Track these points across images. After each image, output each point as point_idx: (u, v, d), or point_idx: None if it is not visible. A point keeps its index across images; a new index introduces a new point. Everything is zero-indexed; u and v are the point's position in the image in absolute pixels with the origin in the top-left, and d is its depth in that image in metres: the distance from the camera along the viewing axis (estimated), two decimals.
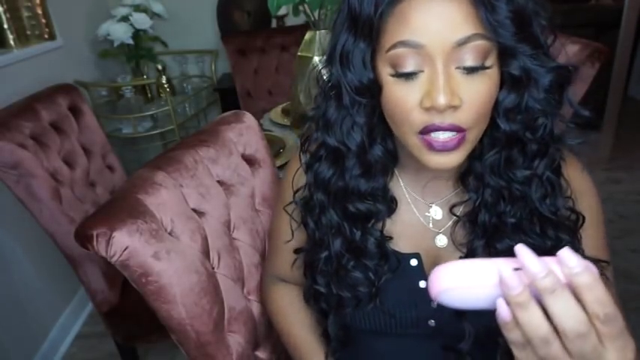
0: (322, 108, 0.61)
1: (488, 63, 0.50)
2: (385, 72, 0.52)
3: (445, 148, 0.52)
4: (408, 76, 0.51)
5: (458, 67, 0.49)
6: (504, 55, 0.51)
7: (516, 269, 0.36)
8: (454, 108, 0.49)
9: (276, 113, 1.75)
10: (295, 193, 0.70)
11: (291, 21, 2.52)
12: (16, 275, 1.59)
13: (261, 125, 1.05)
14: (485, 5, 0.47)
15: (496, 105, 0.53)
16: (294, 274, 0.76)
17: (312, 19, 1.39)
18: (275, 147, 1.38)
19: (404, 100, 0.51)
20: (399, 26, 0.49)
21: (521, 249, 0.35)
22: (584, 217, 0.61)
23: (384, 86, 0.53)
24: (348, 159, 0.61)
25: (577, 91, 1.55)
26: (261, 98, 2.43)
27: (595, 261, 0.61)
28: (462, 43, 0.48)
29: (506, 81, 0.53)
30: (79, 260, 1.24)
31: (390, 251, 0.65)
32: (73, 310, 1.86)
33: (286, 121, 1.65)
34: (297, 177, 0.71)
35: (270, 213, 0.96)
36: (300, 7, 1.39)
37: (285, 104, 1.81)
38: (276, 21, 2.64)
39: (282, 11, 2.45)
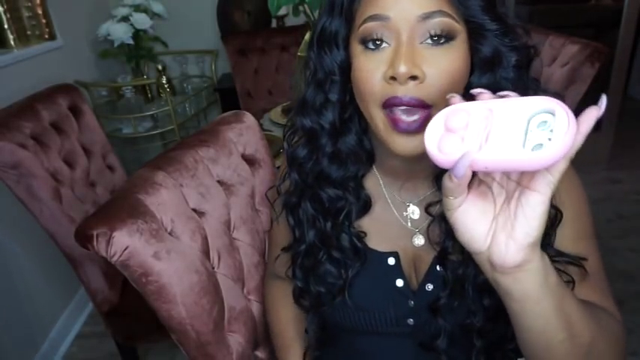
0: (303, 91, 0.64)
1: (453, 39, 0.52)
2: (356, 48, 0.56)
3: (409, 129, 0.53)
4: (376, 46, 0.53)
5: (422, 42, 0.52)
6: (474, 36, 0.53)
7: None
8: (417, 81, 0.51)
9: (276, 113, 1.75)
10: (280, 184, 0.73)
11: (291, 21, 2.51)
12: (16, 275, 1.59)
13: (261, 125, 1.05)
14: None
15: (468, 87, 0.55)
16: (288, 273, 0.78)
17: (312, 19, 1.39)
18: (275, 147, 1.38)
19: (370, 72, 0.54)
20: (369, 4, 0.53)
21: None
22: (561, 213, 0.60)
23: (353, 62, 0.56)
24: (321, 138, 0.63)
25: (577, 90, 1.56)
26: (261, 98, 2.43)
27: (575, 258, 0.60)
28: (426, 18, 0.50)
29: (478, 64, 0.55)
30: (79, 260, 1.24)
31: (360, 248, 0.66)
32: (73, 310, 1.86)
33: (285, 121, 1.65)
34: (282, 171, 0.73)
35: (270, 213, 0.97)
36: (300, 7, 1.40)
37: (285, 104, 1.81)
38: (276, 21, 2.64)
39: (282, 11, 2.45)
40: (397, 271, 0.66)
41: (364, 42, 0.54)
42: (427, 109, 0.52)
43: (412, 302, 0.65)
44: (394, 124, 0.53)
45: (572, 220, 0.62)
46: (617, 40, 2.57)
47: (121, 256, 0.66)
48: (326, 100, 0.62)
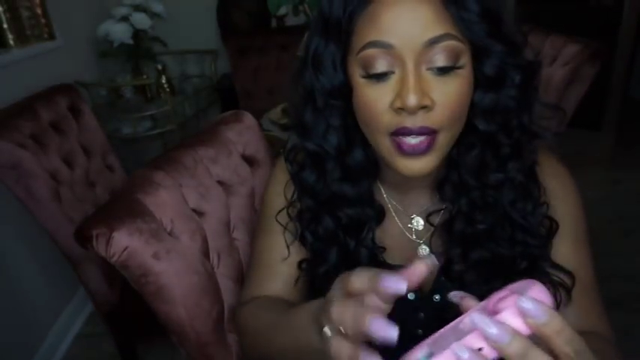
0: (300, 113, 0.61)
1: (460, 63, 0.50)
2: (356, 74, 0.53)
3: (415, 152, 0.52)
4: (379, 77, 0.51)
5: (429, 68, 0.50)
6: (478, 55, 0.51)
7: (479, 349, 0.33)
8: (425, 109, 0.50)
9: (276, 113, 1.75)
10: (288, 207, 0.67)
11: (291, 21, 2.51)
12: (16, 275, 1.58)
13: (261, 125, 1.05)
14: (456, 4, 0.48)
15: (472, 107, 0.54)
16: (293, 292, 0.68)
17: (312, 19, 1.39)
18: (275, 147, 1.38)
19: (375, 102, 0.51)
20: (369, 27, 0.50)
21: (477, 319, 0.33)
22: (557, 224, 0.61)
23: (355, 88, 0.54)
24: (327, 162, 0.61)
25: (577, 90, 1.56)
26: (261, 98, 2.43)
27: (565, 272, 0.60)
28: (432, 43, 0.48)
29: (481, 82, 0.53)
30: (79, 260, 1.24)
31: (381, 262, 0.65)
32: (73, 310, 1.86)
33: (286, 121, 1.65)
34: (281, 189, 0.69)
35: None
36: (300, 7, 1.40)
37: (285, 104, 1.81)
38: (276, 21, 2.64)
39: (282, 11, 2.45)
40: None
41: (366, 70, 0.51)
42: (434, 133, 0.51)
43: (422, 314, 0.65)
44: (400, 147, 0.52)
45: (570, 227, 0.62)
46: (617, 40, 2.57)
47: (120, 256, 0.66)
48: (328, 126, 0.59)
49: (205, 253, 0.81)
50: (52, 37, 1.96)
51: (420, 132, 0.50)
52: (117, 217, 0.67)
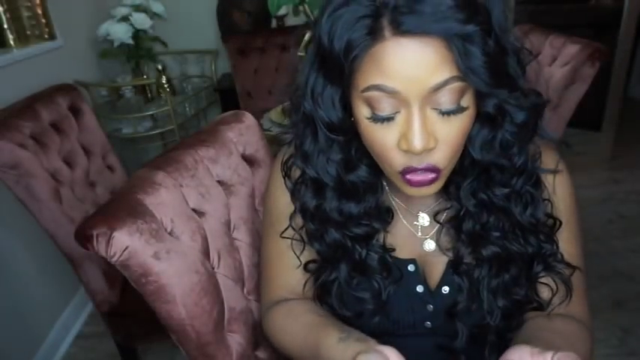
0: (300, 136, 0.61)
1: (464, 103, 0.50)
2: (361, 112, 0.52)
3: (422, 184, 0.54)
4: (385, 119, 0.51)
5: (434, 109, 0.50)
6: (481, 95, 0.51)
7: None
8: (430, 149, 0.51)
9: (276, 113, 1.75)
10: (290, 219, 0.69)
11: (291, 21, 2.52)
12: (16, 275, 1.59)
13: (261, 125, 1.05)
14: (459, 51, 0.46)
15: (469, 138, 0.55)
16: (305, 290, 0.72)
17: (312, 19, 1.39)
18: (275, 147, 1.37)
19: (382, 141, 0.53)
20: (373, 69, 0.49)
21: None
22: (560, 222, 0.63)
23: (360, 125, 0.54)
24: (327, 191, 0.62)
25: (577, 90, 1.56)
26: (261, 98, 2.43)
27: (570, 266, 0.64)
28: (438, 88, 0.48)
29: (481, 116, 0.54)
30: (79, 260, 1.24)
31: (391, 263, 0.65)
32: (73, 310, 1.86)
33: (286, 122, 1.64)
34: (283, 190, 0.70)
35: None
36: (300, 7, 1.40)
37: (285, 104, 1.81)
38: (276, 21, 2.64)
39: (282, 11, 2.45)
40: (417, 277, 0.66)
41: (371, 110, 0.51)
42: (439, 170, 0.53)
43: (431, 306, 0.66)
44: (410, 182, 0.54)
45: (567, 222, 0.65)
46: (617, 40, 2.57)
47: (120, 256, 0.66)
48: (327, 159, 0.60)
49: (205, 253, 0.81)
50: (52, 37, 1.96)
51: (425, 169, 0.53)
52: (117, 217, 0.67)
